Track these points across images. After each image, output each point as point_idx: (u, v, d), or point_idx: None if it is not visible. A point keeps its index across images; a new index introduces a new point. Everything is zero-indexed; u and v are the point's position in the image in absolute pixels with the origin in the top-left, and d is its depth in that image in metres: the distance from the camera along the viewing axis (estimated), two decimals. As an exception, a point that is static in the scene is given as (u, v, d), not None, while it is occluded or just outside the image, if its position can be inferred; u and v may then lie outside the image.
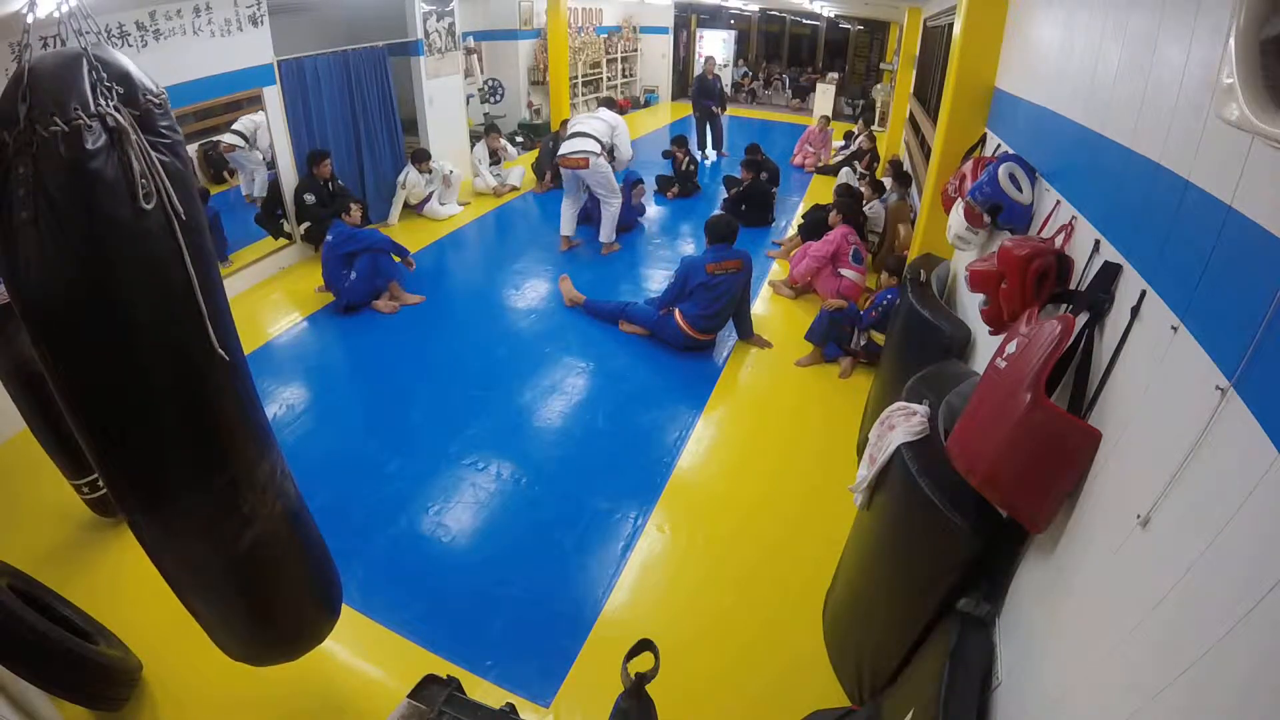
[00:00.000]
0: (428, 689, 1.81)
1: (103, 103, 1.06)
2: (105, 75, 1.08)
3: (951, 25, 4.12)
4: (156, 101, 1.17)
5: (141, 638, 2.22)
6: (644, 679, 1.54)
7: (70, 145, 1.03)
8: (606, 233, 5.83)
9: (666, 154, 7.75)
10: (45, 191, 1.03)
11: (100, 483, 2.62)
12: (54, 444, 2.56)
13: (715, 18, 15.17)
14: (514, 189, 7.46)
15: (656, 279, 5.44)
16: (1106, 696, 1.08)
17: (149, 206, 1.11)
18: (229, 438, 1.39)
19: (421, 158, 6.35)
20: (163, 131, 1.17)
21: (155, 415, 1.26)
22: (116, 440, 1.27)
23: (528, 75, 9.99)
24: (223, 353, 1.28)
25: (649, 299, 4.66)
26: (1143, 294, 1.30)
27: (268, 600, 1.64)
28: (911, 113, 7.54)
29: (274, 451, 1.53)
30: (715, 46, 14.52)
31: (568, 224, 5.89)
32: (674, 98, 14.21)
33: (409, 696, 1.79)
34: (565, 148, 5.55)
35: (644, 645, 1.58)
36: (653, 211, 6.91)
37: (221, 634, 1.71)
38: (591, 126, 5.53)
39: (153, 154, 1.12)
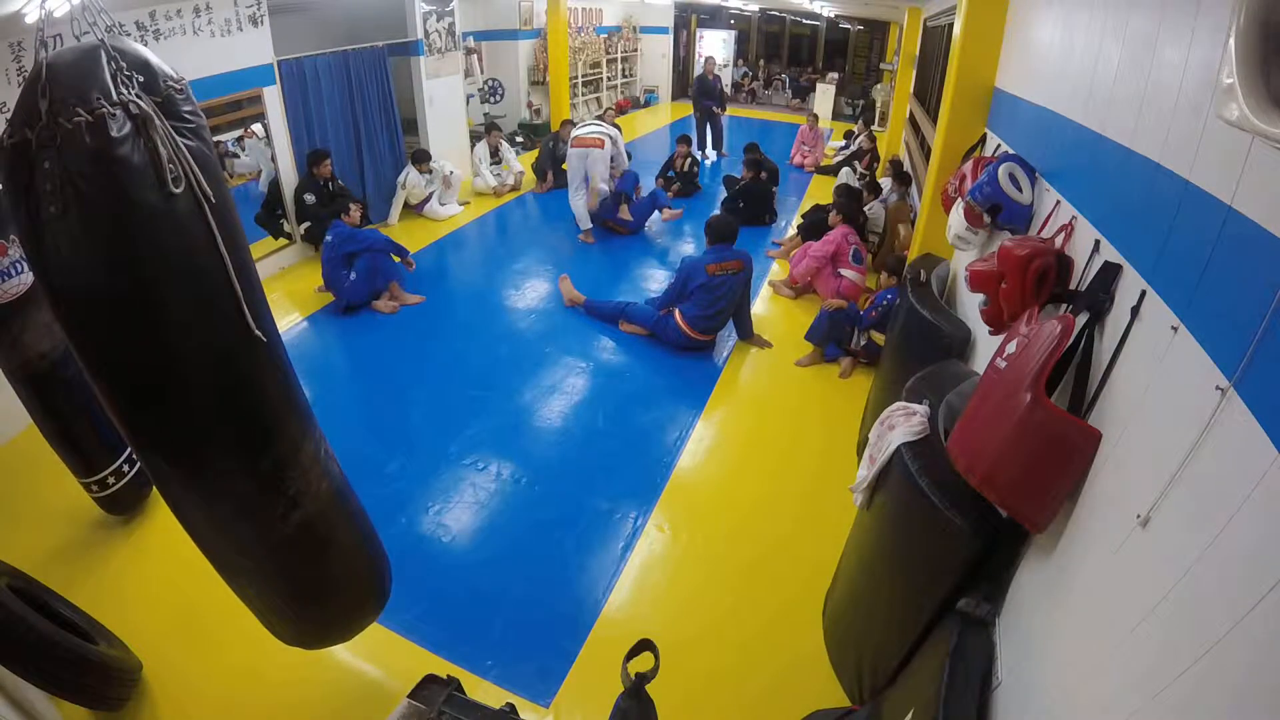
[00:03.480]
0: (428, 689, 1.82)
1: (124, 91, 1.05)
2: (125, 64, 1.08)
3: (951, 25, 4.12)
4: (178, 87, 1.17)
5: (141, 638, 2.22)
6: (644, 679, 1.54)
7: (95, 134, 1.02)
8: (591, 204, 6.23)
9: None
10: (72, 183, 1.02)
11: (110, 480, 2.63)
12: (62, 443, 2.57)
13: (715, 18, 15.15)
14: (514, 189, 7.46)
15: (657, 279, 5.44)
16: (1106, 696, 1.08)
17: (177, 191, 1.10)
18: (271, 418, 1.37)
19: (421, 158, 6.35)
20: (186, 116, 1.17)
21: (196, 400, 1.25)
22: (157, 428, 1.25)
23: (528, 75, 9.99)
24: (259, 332, 1.26)
25: (649, 299, 4.66)
26: (1143, 294, 1.30)
27: (319, 581, 1.62)
28: (911, 113, 7.54)
29: (316, 430, 1.51)
30: (715, 46, 14.51)
31: (585, 219, 6.20)
32: (674, 98, 14.20)
33: (409, 696, 1.79)
34: (580, 130, 6.23)
35: (644, 645, 1.58)
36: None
37: (274, 618, 1.69)
38: (598, 126, 6.34)
39: (178, 138, 1.11)
